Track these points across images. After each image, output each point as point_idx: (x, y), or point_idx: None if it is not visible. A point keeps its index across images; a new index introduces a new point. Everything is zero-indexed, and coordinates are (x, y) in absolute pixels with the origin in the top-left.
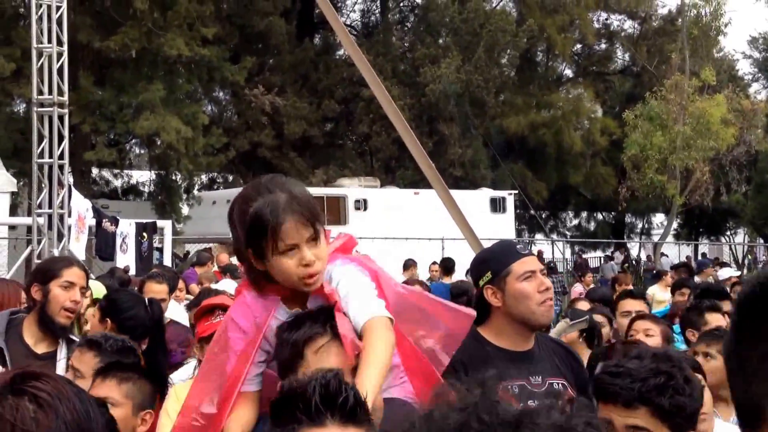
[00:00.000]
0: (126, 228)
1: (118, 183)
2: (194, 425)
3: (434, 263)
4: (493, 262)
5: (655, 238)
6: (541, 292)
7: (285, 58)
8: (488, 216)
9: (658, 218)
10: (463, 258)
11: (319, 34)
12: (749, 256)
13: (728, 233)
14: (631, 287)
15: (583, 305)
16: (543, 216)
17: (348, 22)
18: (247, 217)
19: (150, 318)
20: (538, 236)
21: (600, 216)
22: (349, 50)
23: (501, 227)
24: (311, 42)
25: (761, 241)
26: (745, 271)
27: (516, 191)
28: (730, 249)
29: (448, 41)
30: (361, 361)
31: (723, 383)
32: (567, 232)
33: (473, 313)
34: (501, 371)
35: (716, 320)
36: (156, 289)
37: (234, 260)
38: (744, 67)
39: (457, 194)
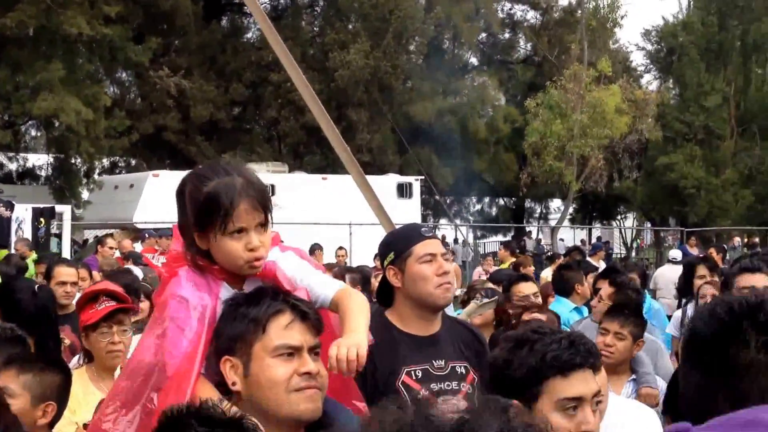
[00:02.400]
0: (22, 213)
1: (13, 166)
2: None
3: (341, 248)
4: (397, 243)
5: (552, 223)
6: (440, 275)
7: (191, 40)
8: (395, 201)
9: (556, 203)
10: (370, 243)
11: (227, 16)
12: (638, 240)
13: (619, 218)
14: (531, 270)
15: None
16: (448, 201)
17: None
18: (200, 195)
19: (36, 305)
20: (443, 221)
21: (501, 201)
22: (265, 30)
23: (407, 212)
24: (219, 24)
25: (648, 225)
26: (633, 253)
27: (422, 177)
28: (620, 233)
29: (358, 27)
30: (350, 315)
31: (626, 360)
32: (470, 217)
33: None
34: (405, 355)
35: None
36: (65, 273)
37: (137, 246)
38: (637, 59)
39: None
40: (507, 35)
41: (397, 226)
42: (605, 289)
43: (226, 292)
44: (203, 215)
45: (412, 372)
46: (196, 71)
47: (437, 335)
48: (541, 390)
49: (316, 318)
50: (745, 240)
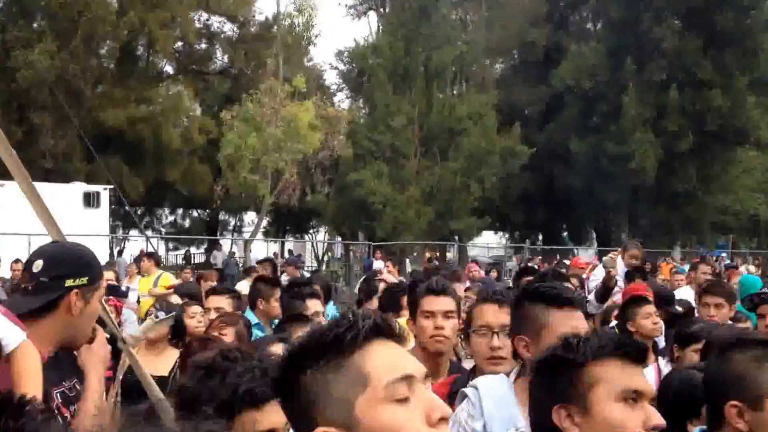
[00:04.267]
0: None
1: None
2: None
3: (16, 261)
4: (94, 268)
5: (246, 235)
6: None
7: None
8: (81, 211)
9: (250, 216)
10: None
11: None
12: (329, 253)
13: (311, 231)
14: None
15: (176, 299)
16: (139, 212)
17: None
18: None
19: None
20: (133, 232)
21: (195, 213)
22: None
23: (94, 223)
24: None
25: (339, 238)
26: (324, 267)
27: (111, 186)
28: (312, 246)
29: (44, 25)
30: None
31: None
32: (162, 229)
33: None
34: (51, 378)
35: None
36: None
37: None
38: (331, 78)
39: (47, 187)
40: (203, 45)
41: (82, 238)
42: None
43: None
44: None
45: (54, 395)
46: None
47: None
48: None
49: None
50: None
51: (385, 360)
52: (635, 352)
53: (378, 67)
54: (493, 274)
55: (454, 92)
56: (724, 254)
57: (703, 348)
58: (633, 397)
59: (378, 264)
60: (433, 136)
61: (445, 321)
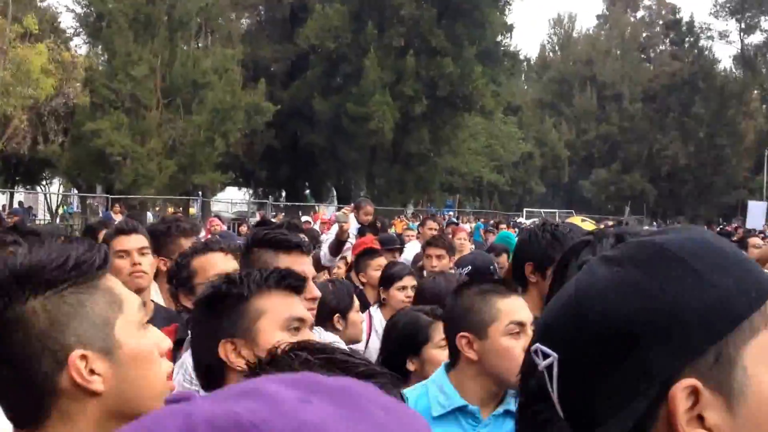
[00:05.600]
0: None
1: None
2: None
3: None
4: None
5: None
6: None
7: None
8: None
9: None
10: None
11: None
12: (64, 206)
13: (44, 182)
14: None
15: None
16: None
17: None
18: None
19: None
20: None
21: None
22: None
23: None
24: None
25: (75, 191)
26: (58, 220)
27: None
28: (45, 198)
29: None
30: None
31: None
32: None
33: None
34: None
35: None
36: None
37: None
38: (67, 21)
39: None
40: None
41: None
42: None
43: None
44: None
45: None
46: None
47: None
48: None
49: None
50: (170, 210)
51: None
52: (296, 283)
53: (117, 12)
54: (243, 228)
55: (199, 44)
56: (451, 212)
57: (415, 295)
58: (296, 325)
59: (117, 219)
60: (176, 88)
61: (142, 257)
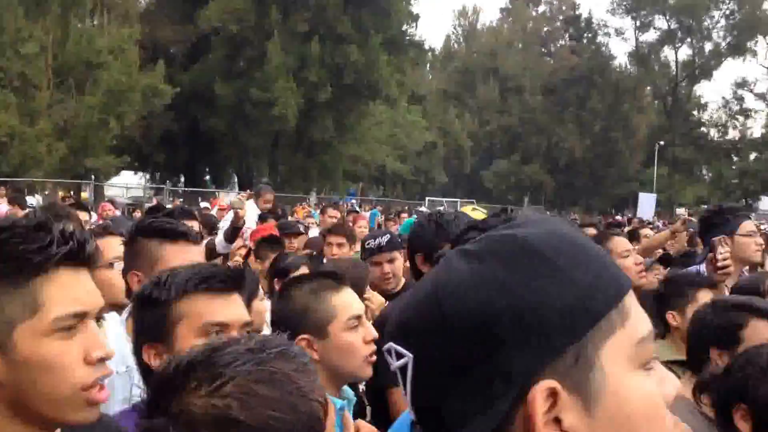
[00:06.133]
0: None
1: None
2: None
3: None
4: None
5: None
6: None
7: None
8: None
9: None
10: None
11: None
12: None
13: None
14: None
15: None
16: None
17: None
18: None
19: None
20: None
21: None
22: None
23: None
24: None
25: None
26: None
27: None
28: None
29: None
30: None
31: None
32: None
33: None
34: None
35: None
36: None
37: None
38: None
39: None
40: None
41: None
42: None
43: None
44: None
45: None
46: None
47: None
48: None
49: None
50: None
51: (65, 292)
52: (224, 282)
53: None
54: (137, 214)
55: (94, 23)
56: (353, 201)
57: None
58: (216, 330)
59: (1, 203)
60: (68, 68)
61: None
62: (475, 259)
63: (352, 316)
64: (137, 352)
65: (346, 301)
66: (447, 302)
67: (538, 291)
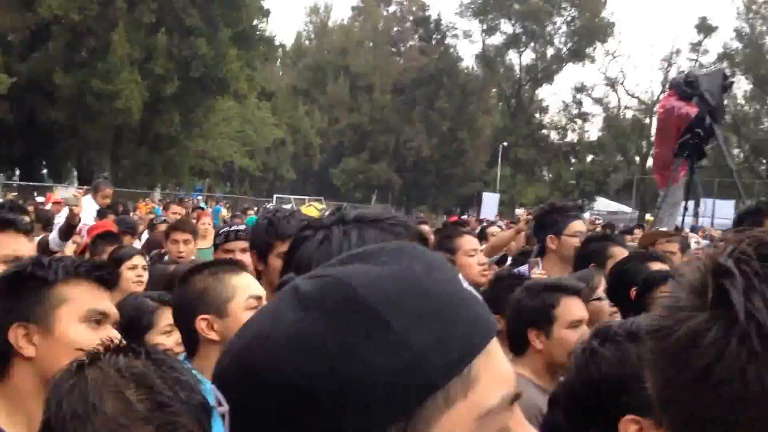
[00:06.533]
0: None
1: None
2: None
3: None
4: None
5: None
6: None
7: None
8: None
9: None
10: None
11: None
12: None
13: None
14: None
15: None
16: None
17: None
18: None
19: None
20: None
21: None
22: None
23: None
24: None
25: None
26: None
27: None
28: None
29: None
30: None
31: None
32: None
33: None
34: None
35: None
36: None
37: None
38: None
39: None
40: None
41: None
42: None
43: None
44: None
45: None
46: None
47: None
48: None
49: None
50: None
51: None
52: (107, 277)
53: None
54: None
55: None
56: (200, 197)
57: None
58: (97, 318)
59: None
60: None
61: None
62: (301, 307)
63: (252, 296)
64: None
65: (245, 282)
66: (261, 358)
67: (361, 359)
